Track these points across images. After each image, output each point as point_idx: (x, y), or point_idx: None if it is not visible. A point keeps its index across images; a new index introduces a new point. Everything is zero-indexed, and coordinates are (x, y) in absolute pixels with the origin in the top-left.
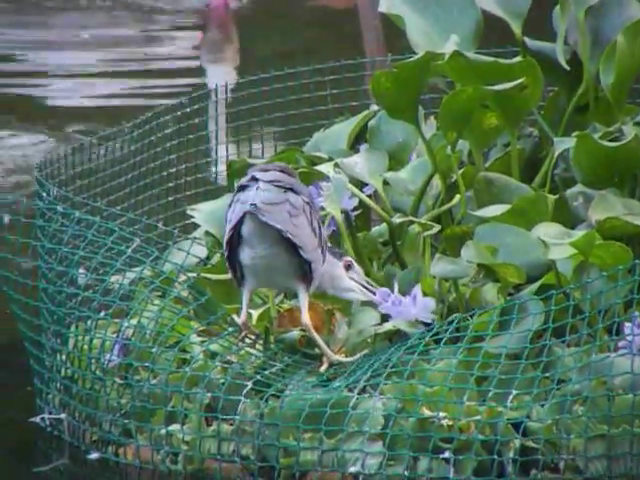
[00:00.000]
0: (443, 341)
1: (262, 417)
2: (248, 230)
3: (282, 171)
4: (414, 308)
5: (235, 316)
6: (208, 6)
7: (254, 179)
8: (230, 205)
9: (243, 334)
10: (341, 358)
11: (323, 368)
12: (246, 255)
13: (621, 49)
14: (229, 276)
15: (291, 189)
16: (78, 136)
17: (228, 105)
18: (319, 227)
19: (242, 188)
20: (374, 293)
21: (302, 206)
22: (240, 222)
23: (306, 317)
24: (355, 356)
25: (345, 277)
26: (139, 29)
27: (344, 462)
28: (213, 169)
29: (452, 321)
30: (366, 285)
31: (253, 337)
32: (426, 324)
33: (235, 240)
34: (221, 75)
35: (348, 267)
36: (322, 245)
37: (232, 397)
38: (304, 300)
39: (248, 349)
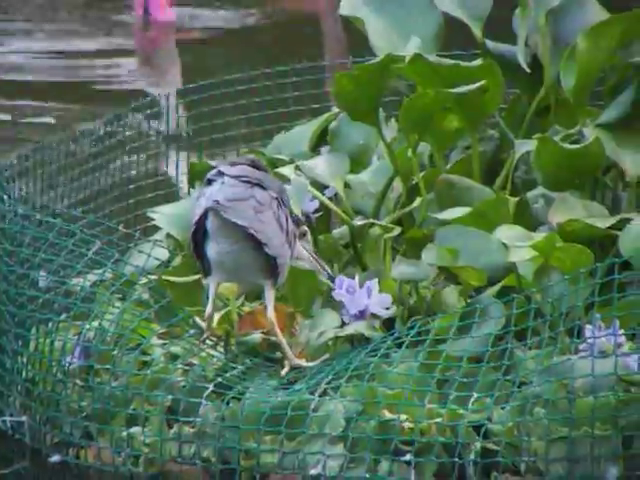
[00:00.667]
0: (405, 345)
1: (223, 419)
2: (212, 226)
3: (252, 165)
4: (367, 299)
5: (197, 318)
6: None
7: (220, 173)
8: (198, 198)
9: (205, 336)
10: (302, 362)
11: (284, 371)
12: (212, 250)
13: (582, 52)
14: (190, 279)
15: (258, 184)
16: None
17: (190, 107)
18: (287, 222)
19: (209, 182)
20: (323, 266)
21: (269, 201)
22: (205, 217)
23: (272, 313)
24: (316, 361)
25: (298, 245)
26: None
27: (305, 464)
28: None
29: (413, 325)
30: (315, 256)
31: (214, 339)
32: (388, 328)
33: (200, 234)
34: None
35: (302, 235)
36: (290, 240)
37: (193, 400)
38: (270, 296)
39: (209, 351)
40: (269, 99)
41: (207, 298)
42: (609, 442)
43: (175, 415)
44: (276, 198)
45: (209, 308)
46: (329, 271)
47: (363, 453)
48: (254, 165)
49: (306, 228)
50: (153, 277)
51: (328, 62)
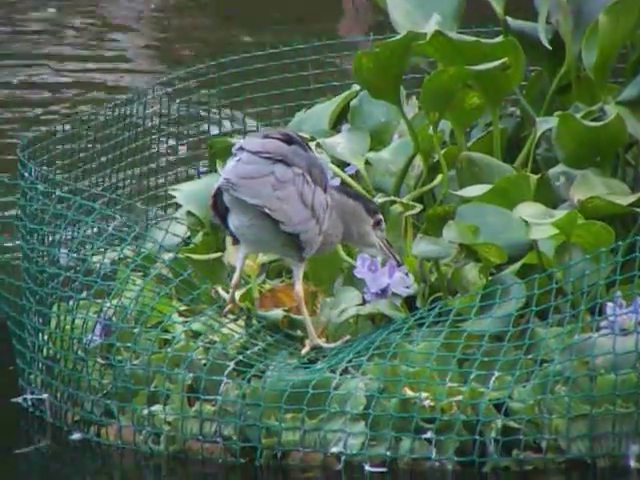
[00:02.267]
0: (426, 324)
1: (244, 398)
2: (228, 202)
3: (285, 138)
4: (388, 278)
5: (220, 289)
6: None
7: (241, 149)
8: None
9: (227, 308)
10: (323, 343)
11: (305, 351)
12: (233, 223)
13: (603, 29)
14: (211, 256)
15: (281, 160)
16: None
17: (211, 85)
18: (314, 197)
19: (231, 155)
20: (393, 255)
21: (292, 178)
22: (220, 192)
23: (299, 288)
24: (337, 342)
25: (372, 233)
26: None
27: (326, 442)
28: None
29: (435, 305)
30: (387, 244)
31: (236, 313)
32: (409, 306)
33: (223, 206)
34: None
35: (377, 224)
36: (318, 215)
37: (214, 377)
38: (297, 271)
39: (230, 327)
40: (290, 76)
41: (234, 268)
42: (630, 419)
43: (196, 393)
44: (302, 174)
45: (236, 277)
46: (399, 259)
47: (384, 431)
48: (287, 139)
49: (380, 217)
50: (173, 254)
51: (349, 39)
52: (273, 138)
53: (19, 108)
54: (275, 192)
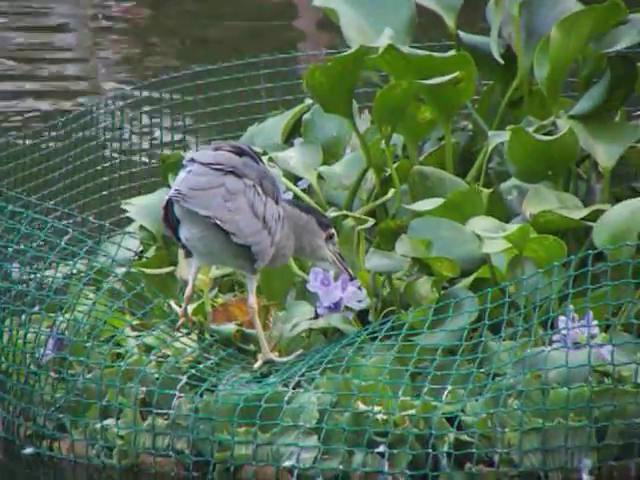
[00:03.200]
0: (379, 337)
1: (197, 411)
2: (179, 214)
3: (235, 150)
4: (341, 292)
5: (173, 303)
6: None
7: (192, 160)
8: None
9: (180, 322)
10: (276, 358)
11: (257, 365)
12: (184, 235)
13: (555, 42)
14: (163, 270)
15: (232, 172)
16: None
17: (161, 100)
18: (266, 209)
19: (183, 167)
20: (346, 268)
21: (242, 190)
22: (171, 204)
23: (253, 300)
24: (290, 356)
25: (324, 247)
26: None
27: (279, 456)
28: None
29: (387, 319)
30: (340, 258)
31: (189, 326)
32: (361, 319)
33: (173, 219)
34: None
35: (329, 237)
36: (270, 226)
37: (167, 391)
38: (251, 283)
39: (183, 341)
40: (242, 90)
41: (187, 281)
42: (583, 433)
43: (149, 407)
44: (253, 185)
45: (188, 290)
46: (352, 273)
47: (337, 445)
48: (238, 151)
49: (333, 230)
50: (126, 268)
51: (301, 53)
52: (224, 150)
53: None
54: (226, 203)
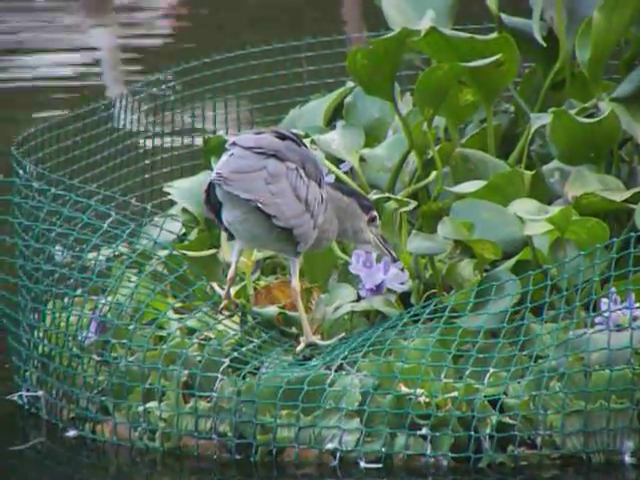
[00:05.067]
0: (421, 320)
1: (239, 394)
2: (221, 197)
3: (277, 134)
4: (383, 274)
5: (215, 285)
6: None
7: (234, 144)
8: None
9: (222, 305)
10: (318, 341)
11: (299, 348)
12: (227, 218)
13: (597, 25)
14: (206, 253)
15: (274, 155)
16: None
17: (203, 82)
18: (308, 191)
19: (225, 150)
20: (388, 250)
21: (284, 173)
22: (213, 187)
23: (295, 283)
24: (332, 339)
25: (366, 230)
26: None
27: (321, 439)
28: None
29: (430, 302)
30: (382, 241)
31: (233, 308)
32: (403, 302)
33: (216, 202)
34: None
35: (372, 220)
36: (313, 209)
37: (209, 374)
38: (293, 266)
39: (226, 324)
40: (284, 73)
41: (230, 262)
42: (625, 415)
43: (191, 390)
44: (295, 168)
45: (231, 272)
46: (394, 254)
47: (379, 427)
48: (279, 134)
49: (375, 213)
50: (168, 251)
51: (343, 36)
52: (265, 134)
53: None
54: (268, 186)
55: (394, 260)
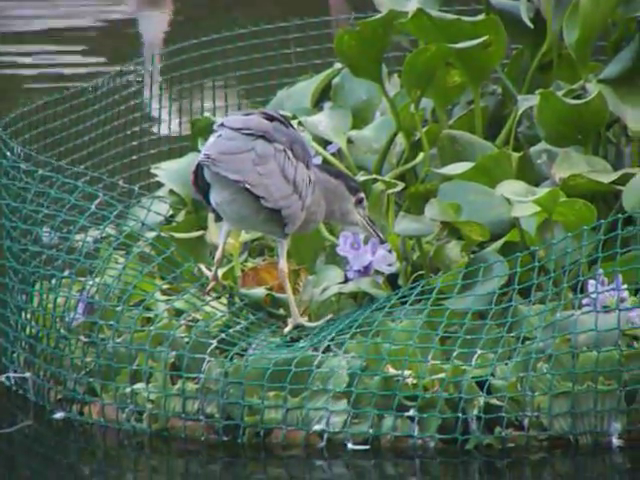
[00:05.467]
0: (409, 302)
1: (226, 376)
2: (209, 178)
3: (265, 116)
4: (371, 256)
5: (203, 267)
6: None
7: (222, 125)
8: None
9: (210, 286)
10: (305, 322)
11: (287, 329)
12: (214, 199)
13: (584, 6)
14: (193, 234)
15: (262, 136)
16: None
17: (190, 63)
18: (296, 173)
19: (213, 131)
20: (376, 232)
21: (272, 154)
22: (201, 168)
23: (283, 264)
24: (319, 321)
25: (354, 211)
26: None
27: (309, 420)
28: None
29: (417, 284)
30: (369, 222)
31: (220, 289)
32: (391, 283)
33: (204, 182)
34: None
35: (359, 202)
36: (300, 191)
37: (197, 356)
38: (281, 248)
39: (213, 306)
40: (271, 55)
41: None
42: (612, 397)
43: (179, 371)
44: (283, 150)
45: (218, 254)
46: (382, 236)
47: (367, 409)
48: (267, 116)
49: (362, 195)
50: (155, 232)
51: (331, 17)
52: (253, 115)
53: None
54: (256, 167)
55: (382, 242)
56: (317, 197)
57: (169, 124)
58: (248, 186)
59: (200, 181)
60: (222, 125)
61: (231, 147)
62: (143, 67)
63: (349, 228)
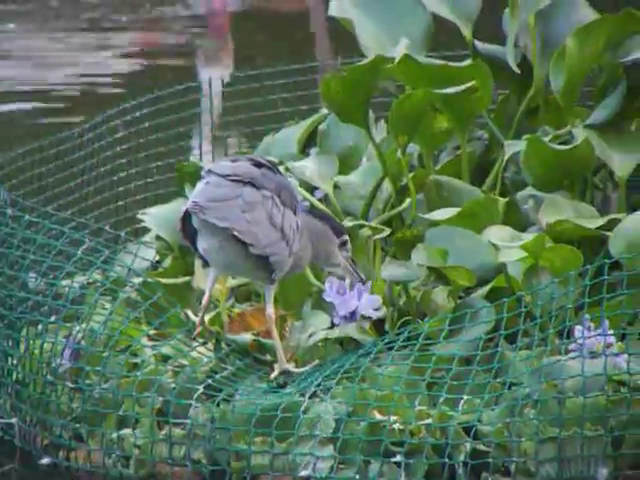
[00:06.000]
0: (395, 347)
1: (213, 421)
2: (197, 225)
3: (253, 162)
4: (357, 301)
5: (189, 312)
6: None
7: (210, 172)
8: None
9: (196, 331)
10: (292, 368)
11: (274, 375)
12: (202, 246)
13: (570, 52)
14: (180, 280)
15: (250, 183)
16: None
17: (175, 109)
18: (284, 219)
19: (200, 178)
20: (357, 272)
21: (260, 201)
22: (189, 215)
23: (271, 310)
24: (306, 367)
25: (338, 254)
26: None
27: (295, 466)
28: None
29: (404, 330)
30: (351, 263)
31: (207, 335)
32: (378, 329)
33: (191, 229)
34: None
35: (343, 244)
36: (288, 237)
37: (183, 401)
38: (268, 293)
39: (200, 351)
40: (257, 101)
41: (204, 289)
42: (599, 442)
43: (165, 417)
44: (271, 196)
45: (205, 299)
46: (363, 277)
47: (353, 454)
48: (255, 162)
49: (346, 237)
50: (142, 278)
51: (317, 63)
52: (240, 161)
53: None
54: (244, 214)
55: (363, 282)
56: (304, 242)
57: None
58: (236, 233)
59: (188, 227)
60: (210, 172)
61: (219, 194)
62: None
63: (330, 269)
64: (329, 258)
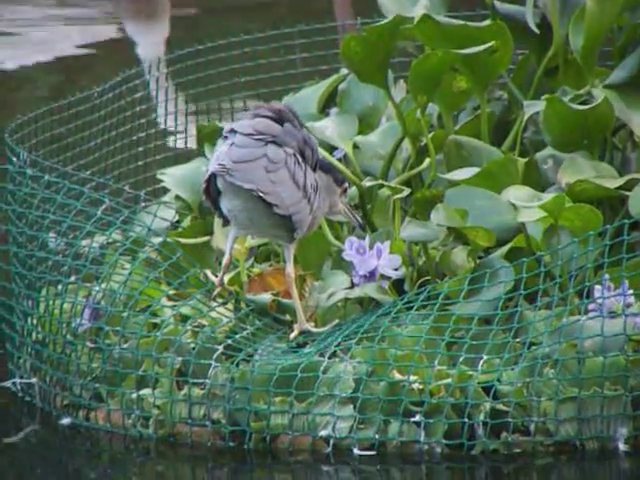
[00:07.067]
0: (415, 308)
1: (233, 381)
2: (222, 186)
3: (276, 116)
4: (377, 260)
5: (209, 273)
6: None
7: (233, 131)
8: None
9: (216, 292)
10: (312, 328)
11: (293, 335)
12: (225, 206)
13: (590, 12)
14: (199, 240)
15: (273, 141)
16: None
17: (195, 69)
18: (305, 177)
19: (223, 138)
20: (356, 218)
21: (283, 159)
22: (214, 176)
23: (290, 269)
24: (325, 327)
25: (339, 202)
26: None
27: (315, 426)
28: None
29: (423, 290)
30: (349, 208)
31: (226, 295)
32: (397, 289)
33: (214, 190)
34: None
35: (344, 192)
36: (309, 195)
37: (203, 361)
38: (288, 252)
39: (219, 311)
40: (277, 61)
41: (224, 250)
42: (618, 402)
43: (185, 377)
44: (293, 154)
45: (225, 259)
46: (361, 222)
47: (373, 414)
48: (278, 116)
49: (347, 184)
50: (161, 238)
51: (337, 23)
52: (263, 116)
53: None
54: (268, 174)
55: (362, 227)
56: (321, 199)
57: (175, 130)
58: (261, 194)
59: (211, 189)
60: (233, 131)
61: (243, 155)
62: (148, 75)
63: (331, 216)
64: (332, 207)
